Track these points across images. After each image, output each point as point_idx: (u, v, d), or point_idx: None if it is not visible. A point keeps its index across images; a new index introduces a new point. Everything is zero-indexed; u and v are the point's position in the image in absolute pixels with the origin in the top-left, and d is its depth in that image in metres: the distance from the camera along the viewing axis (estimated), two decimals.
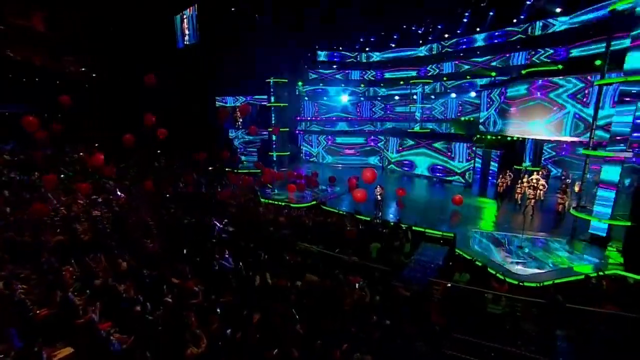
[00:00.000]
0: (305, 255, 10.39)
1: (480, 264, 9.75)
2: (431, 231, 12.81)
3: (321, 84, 30.68)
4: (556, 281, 8.77)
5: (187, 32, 26.27)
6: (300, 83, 30.41)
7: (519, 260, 10.12)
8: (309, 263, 9.72)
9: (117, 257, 8.41)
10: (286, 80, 27.44)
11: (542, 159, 21.20)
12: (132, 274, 7.76)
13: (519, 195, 14.90)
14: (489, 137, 20.81)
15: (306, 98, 30.78)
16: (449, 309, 7.94)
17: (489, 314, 8.14)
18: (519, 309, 7.65)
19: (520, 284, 8.82)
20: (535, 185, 14.09)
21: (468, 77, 25.45)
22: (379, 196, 15.24)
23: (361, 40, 28.13)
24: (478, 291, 8.30)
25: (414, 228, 12.72)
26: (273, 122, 27.34)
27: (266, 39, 24.20)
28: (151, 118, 13.37)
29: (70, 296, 6.30)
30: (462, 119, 27.29)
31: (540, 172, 17.06)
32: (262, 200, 16.63)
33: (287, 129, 27.94)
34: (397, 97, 30.52)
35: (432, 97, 28.79)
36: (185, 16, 26.48)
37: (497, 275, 9.35)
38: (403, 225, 12.65)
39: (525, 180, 15.03)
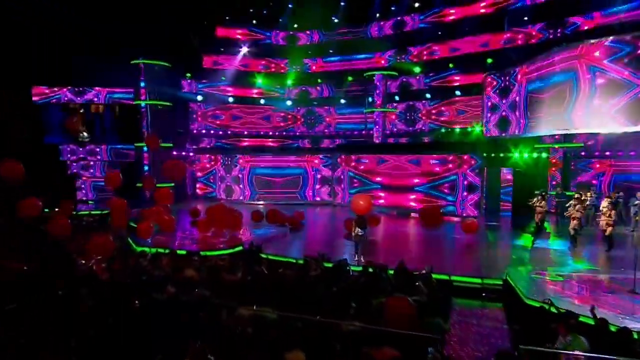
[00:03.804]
0: (256, 324, 8.46)
1: (592, 322, 8.44)
2: (462, 279, 12.30)
3: (224, 78, 29.72)
4: None
5: None
6: (189, 75, 28.89)
7: None
8: (272, 336, 7.95)
9: None
10: (168, 65, 25.25)
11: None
12: None
13: (575, 223, 15.10)
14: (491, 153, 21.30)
15: (200, 98, 29.26)
16: None
17: None
18: None
19: None
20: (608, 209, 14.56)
21: (451, 65, 26.24)
22: (359, 230, 14.10)
23: (290, 5, 27.73)
24: None
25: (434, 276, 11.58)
26: (146, 133, 24.42)
27: None
28: None
29: None
30: (442, 130, 27.85)
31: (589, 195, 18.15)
32: (137, 248, 14.88)
33: (171, 145, 25.26)
34: (343, 101, 30.86)
35: (397, 98, 29.29)
36: None
37: None
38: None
39: (582, 202, 15.49)
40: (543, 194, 17.13)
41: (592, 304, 9.78)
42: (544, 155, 22.02)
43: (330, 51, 29.89)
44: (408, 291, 10.40)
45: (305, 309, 9.16)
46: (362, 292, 10.25)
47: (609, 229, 14.20)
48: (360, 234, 14.16)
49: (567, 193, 20.19)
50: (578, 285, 11.32)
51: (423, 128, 28.70)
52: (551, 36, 22.11)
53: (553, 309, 9.30)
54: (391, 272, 12.06)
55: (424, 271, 11.30)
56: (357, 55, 29.38)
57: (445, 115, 27.96)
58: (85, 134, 25.43)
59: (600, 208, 15.03)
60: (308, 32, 30.16)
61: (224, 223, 17.13)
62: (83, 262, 12.43)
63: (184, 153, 28.12)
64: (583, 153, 22.78)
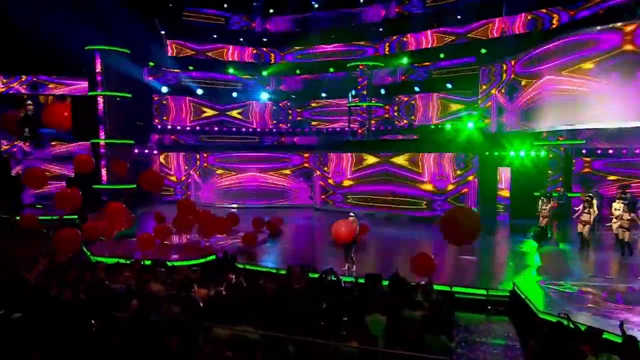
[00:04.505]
0: (235, 347, 7.93)
1: (616, 339, 8.23)
2: (464, 290, 12.07)
3: (191, 67, 29.46)
4: None
5: None
6: (151, 63, 28.34)
7: None
8: None
9: None
10: (128, 52, 24.40)
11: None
12: None
13: (585, 227, 14.98)
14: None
15: (164, 89, 28.81)
16: None
17: None
18: None
19: None
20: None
21: (442, 55, 26.16)
22: None
23: None
24: None
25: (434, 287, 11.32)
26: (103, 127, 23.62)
27: None
28: None
29: None
30: (432, 126, 27.74)
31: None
32: (94, 259, 14.42)
33: (132, 142, 24.71)
34: (324, 95, 30.88)
35: (383, 91, 29.13)
36: None
37: None
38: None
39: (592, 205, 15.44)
40: (548, 195, 17.01)
41: (612, 317, 9.63)
42: (543, 153, 22.00)
43: (310, 37, 29.79)
44: (407, 305, 10.11)
45: (291, 327, 8.84)
46: (355, 307, 9.98)
47: (627, 234, 13.95)
48: None
49: (569, 194, 20.20)
50: (595, 297, 11.06)
51: (412, 124, 28.65)
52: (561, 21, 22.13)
53: (571, 325, 9.01)
54: (385, 282, 11.91)
55: (422, 282, 11.14)
56: (340, 44, 29.42)
57: (435, 111, 27.91)
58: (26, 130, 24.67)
59: (613, 210, 14.93)
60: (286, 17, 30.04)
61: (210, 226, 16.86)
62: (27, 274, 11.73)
63: (146, 151, 27.67)
64: (584, 151, 22.90)
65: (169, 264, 13.15)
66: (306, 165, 26.59)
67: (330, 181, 25.00)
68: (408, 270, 12.10)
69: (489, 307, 11.36)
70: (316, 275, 12.05)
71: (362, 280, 12.03)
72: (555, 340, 8.77)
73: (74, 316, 8.31)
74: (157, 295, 10.06)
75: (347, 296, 10.60)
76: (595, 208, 15.47)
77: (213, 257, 14.40)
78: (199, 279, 11.70)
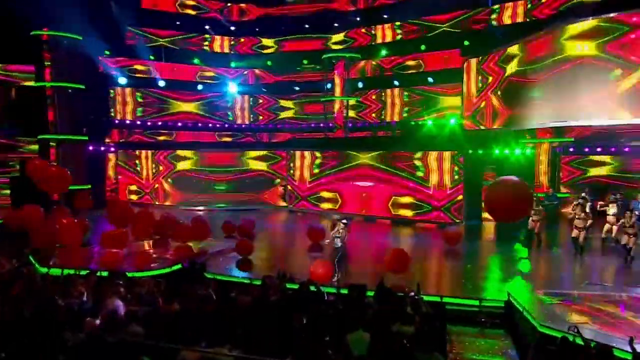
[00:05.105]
0: None
1: (627, 356, 8.21)
2: (455, 301, 11.87)
3: (152, 57, 28.86)
4: None
5: None
6: (107, 52, 27.67)
7: None
8: None
9: None
10: (79, 38, 23.67)
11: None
12: None
13: (582, 233, 14.96)
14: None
15: (123, 81, 28.29)
16: None
17: None
18: None
19: None
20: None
21: (423, 47, 26.11)
22: (338, 240, 14.03)
23: None
24: None
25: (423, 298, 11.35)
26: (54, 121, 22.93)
27: None
28: None
29: None
30: (412, 123, 27.63)
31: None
32: (42, 269, 13.65)
33: (86, 138, 24.24)
34: (297, 88, 30.90)
35: (360, 84, 29.07)
36: None
37: None
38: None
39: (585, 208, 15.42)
40: (540, 197, 17.09)
41: (617, 329, 9.53)
42: (529, 151, 22.10)
43: (283, 28, 29.75)
44: (398, 318, 9.91)
45: (268, 345, 8.34)
46: (339, 321, 9.72)
47: (632, 239, 13.66)
48: (338, 245, 13.91)
49: (558, 195, 20.31)
50: (595, 307, 10.89)
51: (390, 121, 28.72)
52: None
53: (579, 340, 8.79)
54: (370, 293, 11.69)
55: (412, 293, 10.92)
56: (315, 33, 29.43)
57: (415, 106, 27.95)
58: None
59: (607, 215, 14.99)
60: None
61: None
62: None
63: (102, 148, 27.30)
64: (572, 149, 23.14)
65: (129, 274, 12.70)
66: (274, 170, 26.63)
67: (296, 182, 25.18)
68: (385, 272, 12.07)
69: (483, 320, 11.15)
70: (296, 286, 11.82)
71: (345, 291, 11.89)
72: (561, 358, 8.56)
73: (17, 338, 7.94)
74: (116, 312, 9.80)
75: (329, 309, 10.39)
76: (588, 211, 15.43)
77: (179, 266, 14.19)
78: (163, 292, 11.54)
